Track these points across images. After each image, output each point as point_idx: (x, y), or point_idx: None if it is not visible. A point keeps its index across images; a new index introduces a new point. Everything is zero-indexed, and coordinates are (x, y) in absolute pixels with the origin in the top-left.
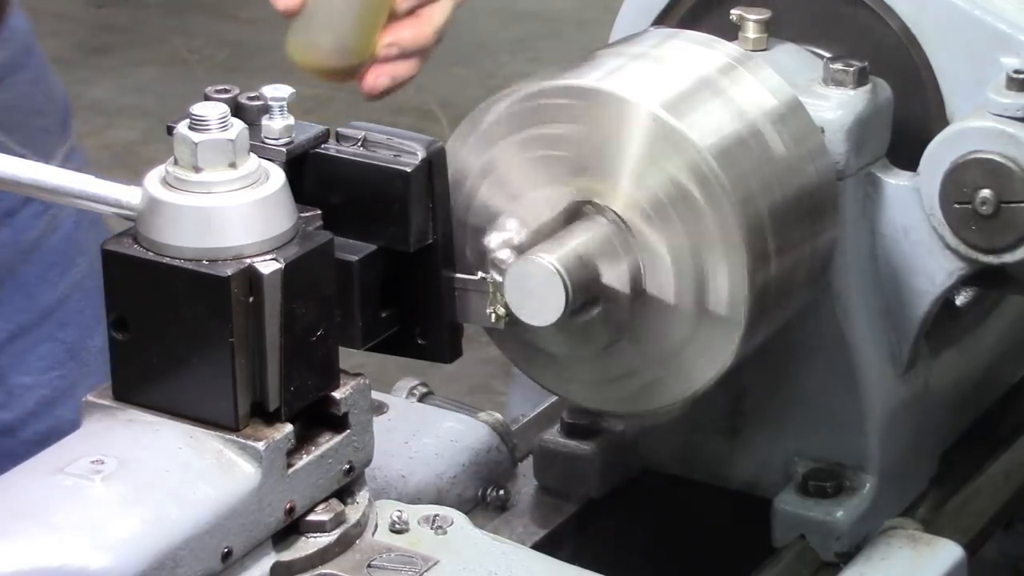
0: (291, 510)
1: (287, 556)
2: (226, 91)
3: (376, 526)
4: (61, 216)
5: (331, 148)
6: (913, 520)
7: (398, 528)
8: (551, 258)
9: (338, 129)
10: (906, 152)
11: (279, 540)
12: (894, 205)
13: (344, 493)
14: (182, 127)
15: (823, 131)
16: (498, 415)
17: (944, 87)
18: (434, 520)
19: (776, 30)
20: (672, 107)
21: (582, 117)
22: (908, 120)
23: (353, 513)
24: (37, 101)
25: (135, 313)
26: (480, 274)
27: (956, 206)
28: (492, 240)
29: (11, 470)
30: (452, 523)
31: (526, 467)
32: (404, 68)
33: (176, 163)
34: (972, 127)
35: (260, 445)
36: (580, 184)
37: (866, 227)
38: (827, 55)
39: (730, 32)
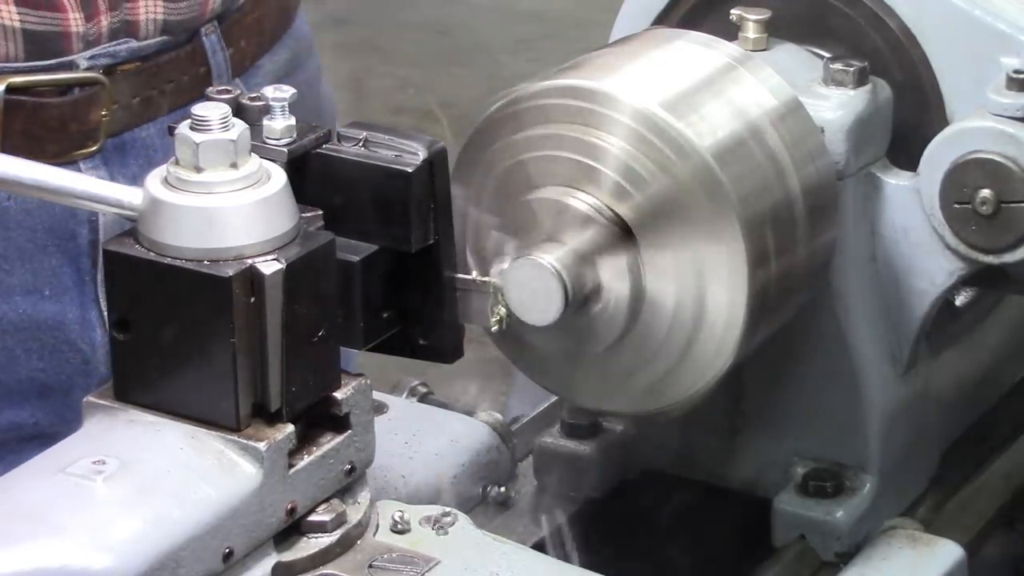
0: (292, 510)
1: (288, 556)
2: (227, 91)
3: (377, 526)
4: None
5: (332, 148)
6: (913, 520)
7: (399, 528)
8: (551, 258)
9: (339, 129)
10: (906, 152)
11: (280, 540)
12: (894, 205)
13: (345, 493)
14: (183, 127)
15: (823, 131)
16: (498, 415)
17: (944, 87)
18: (435, 520)
19: (776, 30)
20: (672, 107)
21: (582, 117)
22: (908, 120)
23: (354, 513)
24: (311, 102)
25: (136, 313)
26: (477, 275)
27: (956, 206)
28: (492, 242)
29: (12, 471)
30: (453, 523)
31: (526, 467)
32: None
33: (177, 163)
34: (972, 127)
35: (261, 445)
36: (580, 184)
37: (866, 227)
38: (827, 55)
39: (730, 32)
